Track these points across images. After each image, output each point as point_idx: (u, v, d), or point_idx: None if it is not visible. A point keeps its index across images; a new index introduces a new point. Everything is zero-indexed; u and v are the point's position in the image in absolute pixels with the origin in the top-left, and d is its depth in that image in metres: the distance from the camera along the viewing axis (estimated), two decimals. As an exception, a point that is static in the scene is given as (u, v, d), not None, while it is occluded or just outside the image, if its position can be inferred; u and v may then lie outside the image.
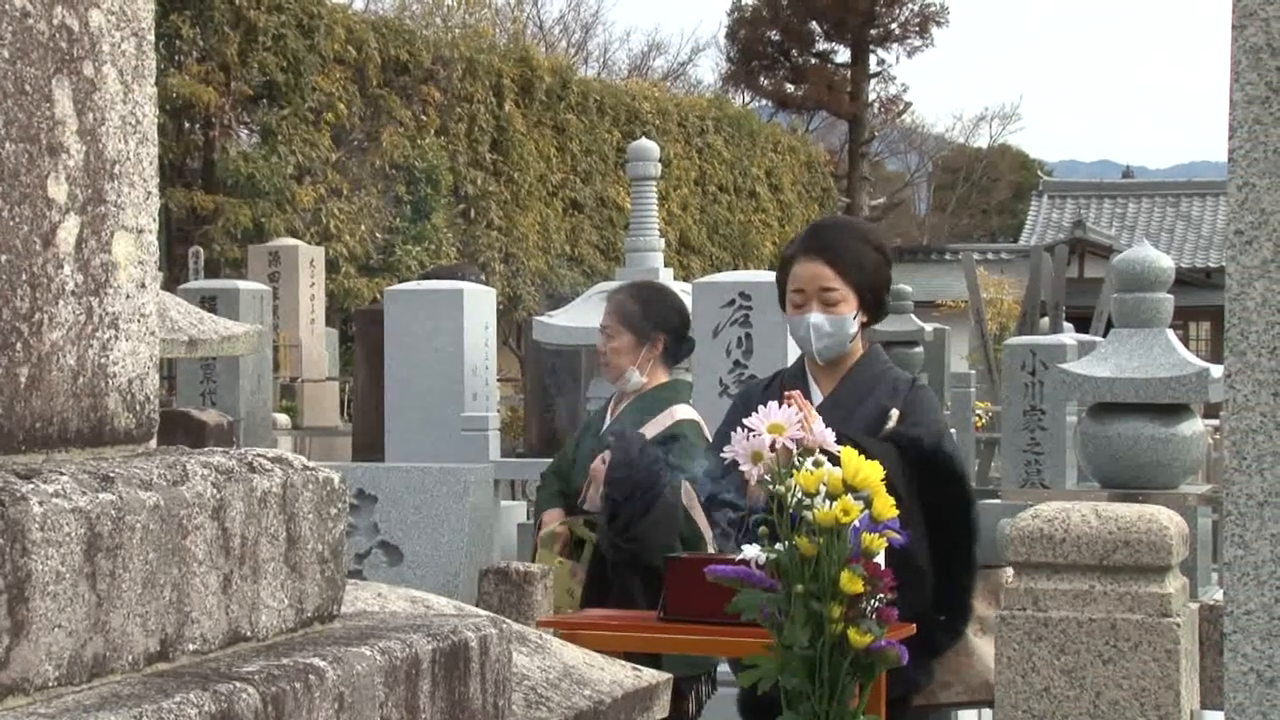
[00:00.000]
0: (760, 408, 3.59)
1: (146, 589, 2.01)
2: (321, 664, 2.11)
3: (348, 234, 25.06)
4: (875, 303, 4.63)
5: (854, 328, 4.57)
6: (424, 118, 27.31)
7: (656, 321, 5.58)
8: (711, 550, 5.03)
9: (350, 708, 2.13)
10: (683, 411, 5.54)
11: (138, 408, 2.26)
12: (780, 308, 4.71)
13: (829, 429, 3.61)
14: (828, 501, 3.28)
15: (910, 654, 3.37)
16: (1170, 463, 7.96)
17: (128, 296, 2.23)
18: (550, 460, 6.22)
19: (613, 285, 9.26)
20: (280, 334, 18.82)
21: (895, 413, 4.49)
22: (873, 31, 46.29)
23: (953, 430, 6.86)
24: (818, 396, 4.57)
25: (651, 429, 5.43)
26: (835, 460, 3.40)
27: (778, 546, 3.33)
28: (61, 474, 1.95)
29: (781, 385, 4.62)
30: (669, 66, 49.14)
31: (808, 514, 3.29)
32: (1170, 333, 8.15)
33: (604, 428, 5.62)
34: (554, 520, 5.53)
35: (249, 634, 2.19)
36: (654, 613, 4.34)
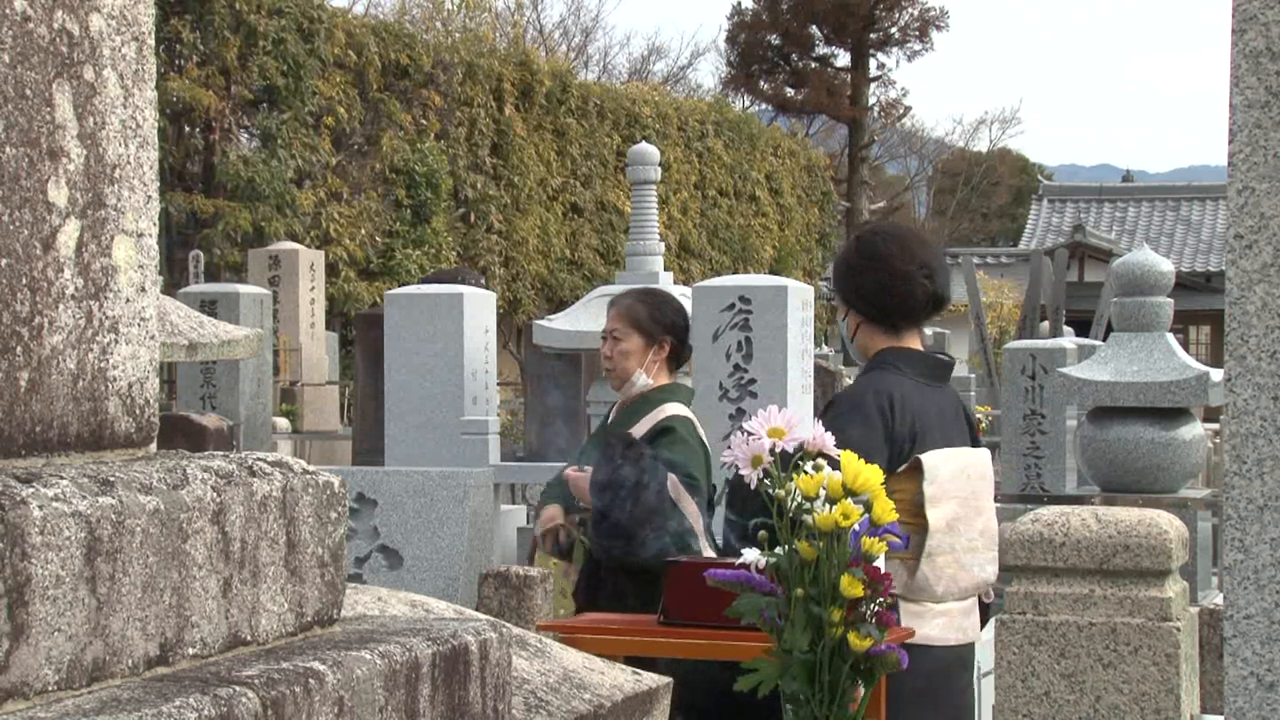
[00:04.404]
0: (760, 411, 3.59)
1: (146, 593, 2.01)
2: (321, 668, 2.11)
3: (348, 238, 25.07)
4: (857, 296, 4.56)
5: (848, 331, 4.58)
6: (424, 122, 27.31)
7: (665, 324, 5.58)
8: (703, 542, 5.08)
9: (350, 712, 2.13)
10: (673, 408, 5.53)
11: (138, 412, 2.25)
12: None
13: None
14: (827, 505, 3.29)
15: None
16: (1170, 466, 7.96)
17: (128, 300, 2.23)
18: (550, 463, 6.22)
19: (612, 289, 9.26)
20: (280, 338, 18.81)
21: None
22: (872, 35, 46.34)
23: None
24: None
25: (642, 427, 5.42)
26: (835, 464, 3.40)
27: (777, 550, 3.33)
28: (61, 478, 1.94)
29: None
30: (669, 70, 49.24)
31: (807, 518, 3.29)
32: (1170, 337, 8.15)
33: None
34: (551, 515, 5.53)
35: (249, 638, 2.19)
36: (653, 616, 4.34)
